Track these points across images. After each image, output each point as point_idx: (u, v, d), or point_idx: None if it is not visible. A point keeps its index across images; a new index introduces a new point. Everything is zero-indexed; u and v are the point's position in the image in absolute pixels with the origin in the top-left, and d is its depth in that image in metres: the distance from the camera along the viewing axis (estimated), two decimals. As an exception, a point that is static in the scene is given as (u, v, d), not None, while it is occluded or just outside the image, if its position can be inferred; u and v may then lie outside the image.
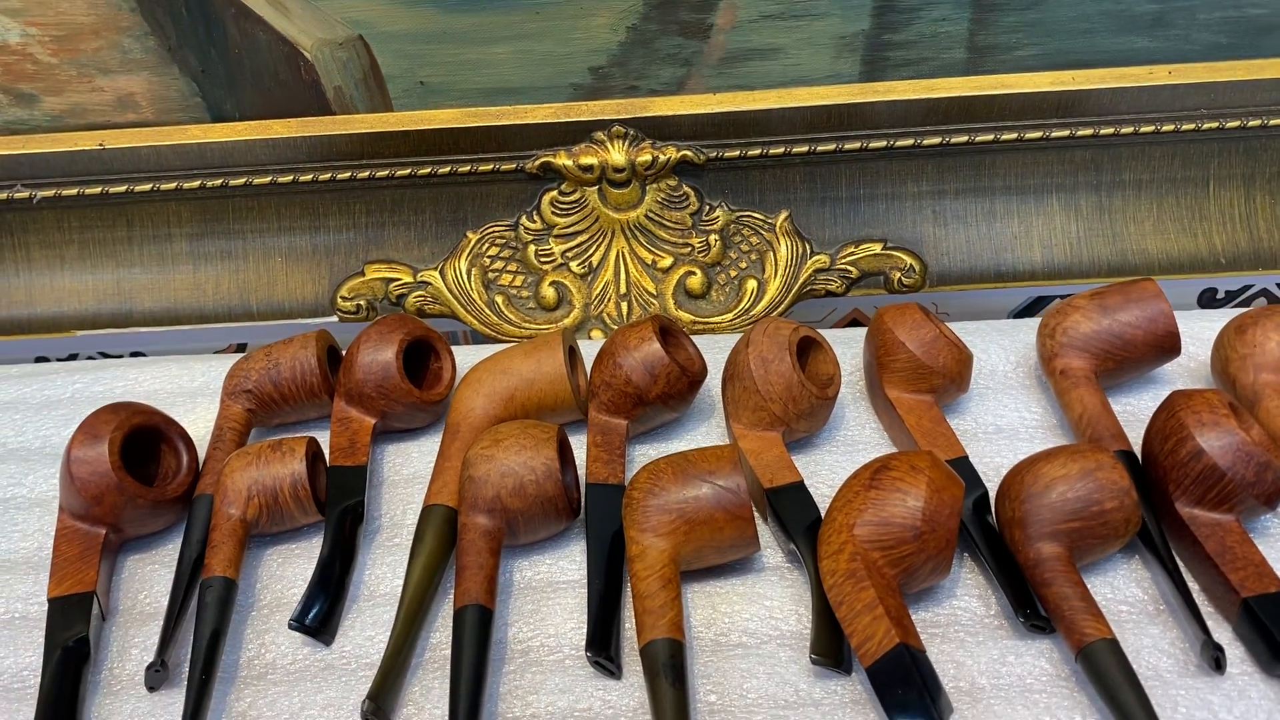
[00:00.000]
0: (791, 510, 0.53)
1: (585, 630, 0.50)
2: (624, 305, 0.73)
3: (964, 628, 0.49)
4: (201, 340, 0.79)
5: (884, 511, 0.47)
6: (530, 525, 0.53)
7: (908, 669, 0.44)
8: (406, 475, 0.61)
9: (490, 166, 0.73)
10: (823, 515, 0.52)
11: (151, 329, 0.76)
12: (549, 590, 0.53)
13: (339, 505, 0.55)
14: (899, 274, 0.73)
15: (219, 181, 0.73)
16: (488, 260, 0.74)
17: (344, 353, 0.62)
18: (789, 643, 0.49)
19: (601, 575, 0.51)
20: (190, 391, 0.68)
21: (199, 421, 0.65)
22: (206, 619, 0.50)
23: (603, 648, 0.48)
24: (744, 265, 0.74)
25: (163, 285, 0.76)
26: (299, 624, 0.51)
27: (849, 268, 0.73)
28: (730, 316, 0.73)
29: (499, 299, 0.74)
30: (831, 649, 0.47)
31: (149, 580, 0.56)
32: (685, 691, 0.45)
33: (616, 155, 0.72)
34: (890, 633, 0.45)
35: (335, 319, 0.75)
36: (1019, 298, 0.82)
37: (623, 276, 0.74)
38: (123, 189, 0.74)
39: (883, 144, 0.71)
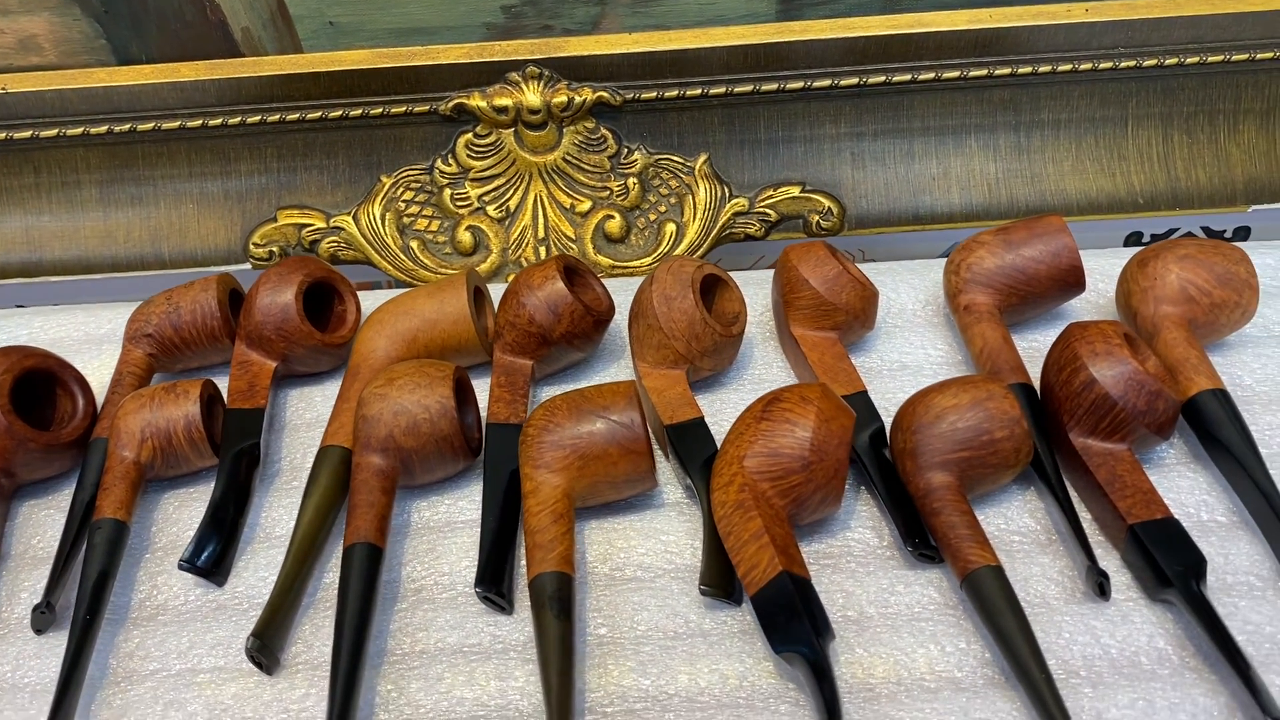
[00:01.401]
0: (690, 445, 0.52)
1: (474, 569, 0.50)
2: (542, 250, 0.73)
3: (856, 559, 0.49)
4: (116, 293, 0.77)
5: (773, 443, 0.47)
6: (426, 465, 0.52)
7: (790, 596, 0.44)
8: (309, 419, 0.60)
9: (403, 109, 0.71)
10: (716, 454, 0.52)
11: (63, 278, 0.75)
12: (446, 530, 0.53)
13: (234, 447, 0.54)
14: (817, 217, 0.73)
15: (127, 126, 0.72)
16: (402, 205, 0.73)
17: (246, 296, 0.61)
18: (682, 576, 0.49)
19: (496, 513, 0.51)
20: (97, 339, 0.67)
21: (104, 368, 0.64)
22: (94, 560, 0.49)
23: (493, 583, 0.48)
24: (663, 209, 0.73)
25: (72, 233, 0.74)
26: (190, 564, 0.50)
27: (768, 211, 0.73)
28: (650, 260, 0.72)
29: (414, 244, 0.73)
30: (721, 580, 0.47)
31: (43, 525, 0.55)
32: (570, 624, 0.45)
33: (531, 96, 0.71)
34: (774, 561, 0.44)
35: (249, 266, 0.74)
36: (945, 243, 0.82)
37: (541, 221, 0.73)
38: (27, 135, 0.72)
39: (800, 85, 0.71)
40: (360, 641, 0.45)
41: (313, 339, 0.59)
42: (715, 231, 0.72)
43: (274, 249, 0.73)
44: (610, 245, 0.73)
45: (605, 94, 0.71)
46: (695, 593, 0.48)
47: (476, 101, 0.71)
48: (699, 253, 0.72)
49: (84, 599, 0.48)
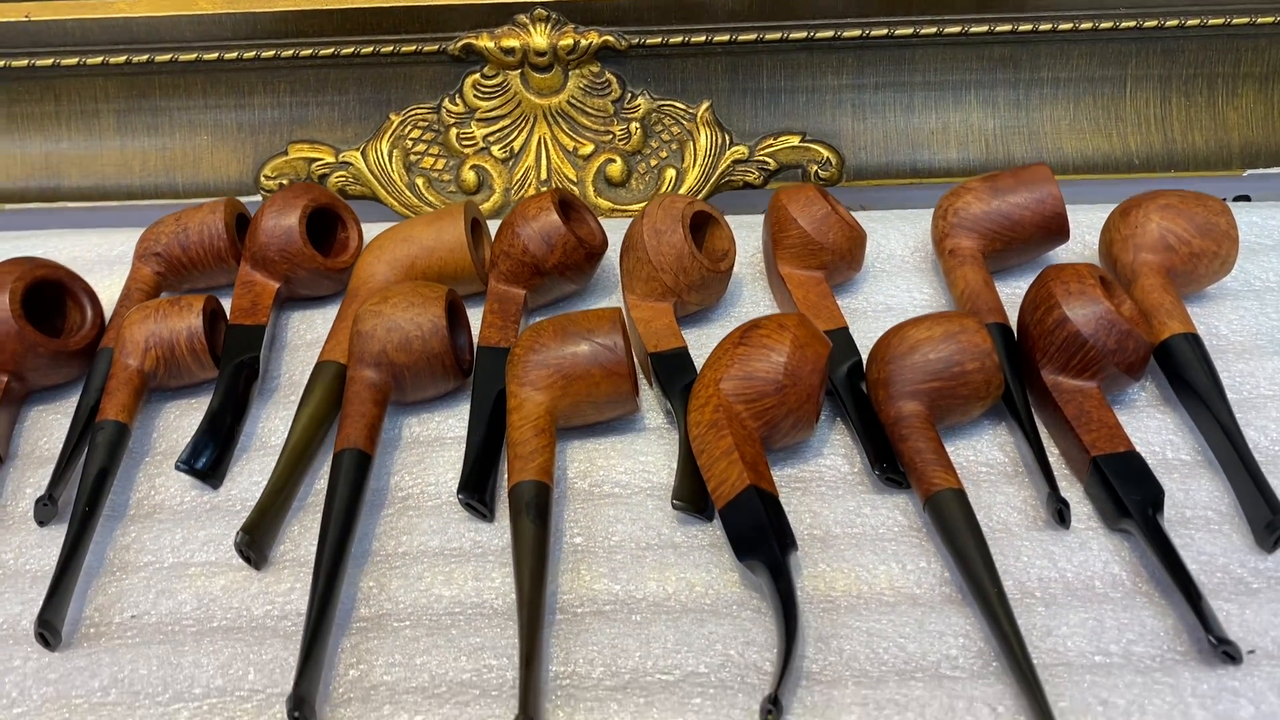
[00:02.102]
0: (671, 372, 0.54)
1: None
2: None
3: (826, 483, 0.51)
4: (132, 222, 0.79)
5: (749, 366, 0.49)
6: (417, 381, 0.54)
7: (756, 508, 0.45)
8: (309, 340, 0.62)
9: (413, 48, 0.73)
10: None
11: (79, 205, 0.77)
12: (434, 445, 0.55)
13: (234, 359, 0.56)
14: (816, 167, 0.74)
15: (145, 57, 0.74)
16: (409, 142, 0.75)
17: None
18: (657, 494, 0.51)
19: (482, 428, 0.53)
20: (109, 260, 0.69)
21: (115, 287, 0.66)
22: (95, 458, 0.51)
23: (475, 490, 0.50)
24: (664, 154, 0.74)
25: (90, 160, 0.76)
26: (187, 466, 0.52)
27: (767, 159, 0.74)
28: (649, 205, 0.74)
29: (420, 181, 0.75)
30: (693, 495, 0.49)
31: (49, 428, 0.57)
32: (546, 530, 0.47)
33: (539, 38, 0.72)
34: (743, 475, 0.46)
35: (259, 198, 0.76)
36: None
37: (544, 162, 0.74)
38: (49, 63, 0.74)
39: (803, 35, 0.72)
40: (344, 538, 0.47)
41: (314, 262, 0.61)
42: (714, 178, 0.74)
43: (284, 181, 0.75)
44: (611, 189, 0.74)
45: (611, 38, 0.72)
46: (669, 508, 0.50)
47: (484, 42, 0.72)
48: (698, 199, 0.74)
49: (84, 493, 0.50)
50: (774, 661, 0.43)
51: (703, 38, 0.72)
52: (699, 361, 0.56)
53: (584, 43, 0.72)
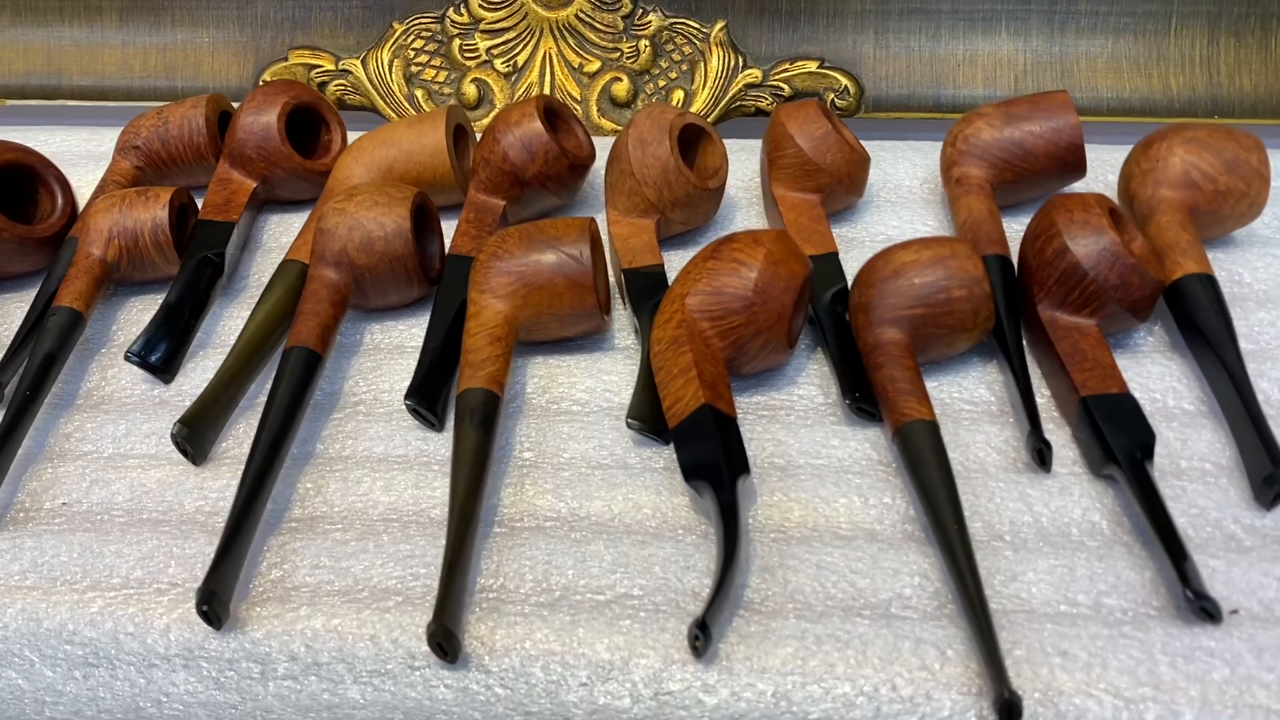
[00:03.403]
0: (642, 289, 0.51)
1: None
2: (547, 109, 0.71)
3: (796, 413, 0.48)
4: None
5: (717, 281, 0.46)
6: (379, 285, 0.52)
7: (708, 428, 0.42)
8: (284, 243, 0.60)
9: (420, -47, 0.70)
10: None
11: (79, 103, 0.76)
12: (393, 353, 0.52)
13: (198, 254, 0.55)
14: (833, 95, 0.70)
15: (148, -47, 0.72)
16: (411, 53, 0.72)
17: (234, 116, 0.61)
18: (616, 414, 0.48)
19: (440, 337, 0.50)
20: (97, 155, 0.67)
21: (98, 182, 0.64)
22: (43, 343, 0.50)
23: (424, 397, 0.48)
24: (673, 75, 0.71)
25: (91, 58, 0.75)
26: (138, 358, 0.50)
27: (782, 85, 0.70)
28: (654, 128, 0.70)
29: (419, 93, 0.72)
30: (648, 414, 0.46)
31: (10, 317, 0.56)
32: (489, 439, 0.44)
33: (548, -52, 0.69)
34: (699, 394, 0.43)
35: (258, 104, 0.74)
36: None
37: (548, 78, 0.71)
38: (53, -45, 0.73)
39: (827, -47, 0.68)
40: (281, 435, 0.45)
41: (292, 161, 0.59)
42: (725, 102, 0.70)
43: (282, 88, 0.73)
44: (615, 109, 0.71)
45: (624, -50, 0.69)
46: (625, 429, 0.47)
47: (493, -51, 0.69)
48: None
49: (27, 377, 0.48)
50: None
51: (721, -49, 0.68)
52: (679, 283, 0.53)
53: (595, -47, 0.69)
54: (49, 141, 0.69)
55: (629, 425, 0.46)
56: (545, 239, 0.49)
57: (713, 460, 0.42)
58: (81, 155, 0.67)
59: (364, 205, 0.52)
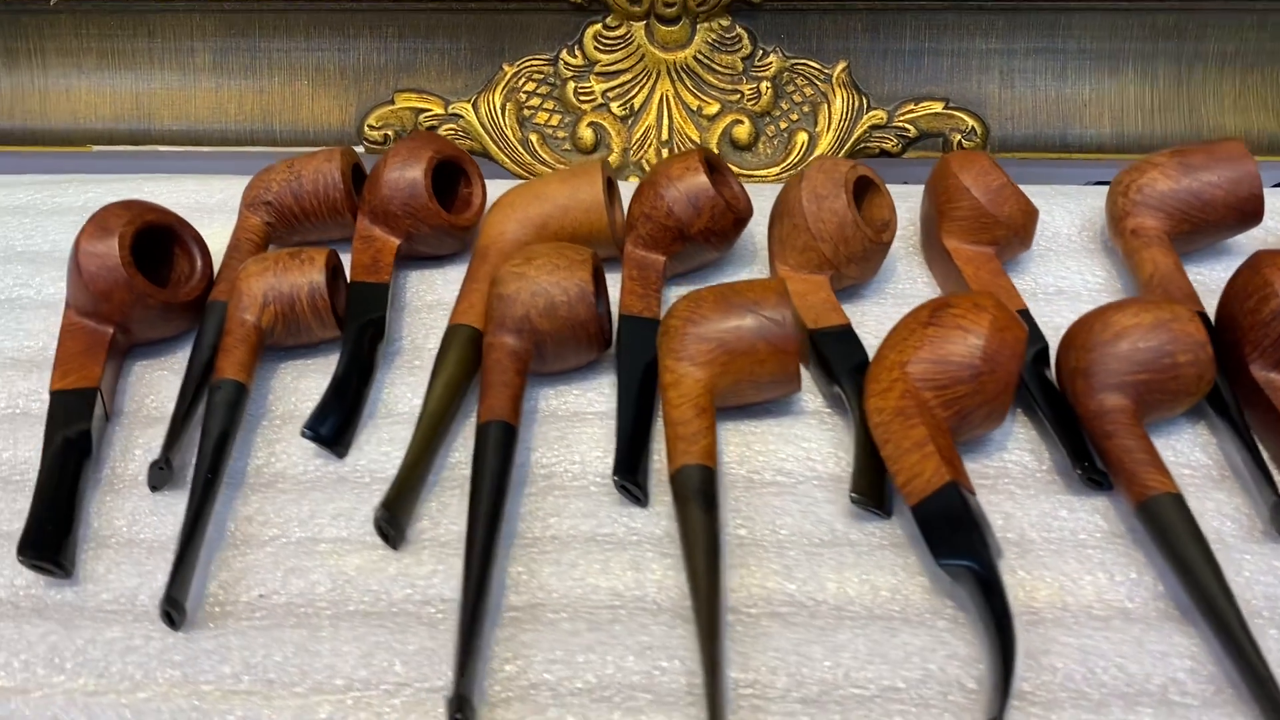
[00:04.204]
0: (837, 351, 0.50)
1: (611, 459, 0.48)
2: (665, 152, 0.69)
3: (1014, 480, 0.47)
4: (224, 170, 0.74)
5: (942, 349, 0.44)
6: (559, 350, 0.50)
7: (958, 507, 0.41)
8: (430, 301, 0.58)
9: (534, -6, 0.68)
10: (868, 359, 0.49)
11: (171, 148, 0.73)
12: (576, 420, 0.50)
13: (360, 319, 0.52)
14: (959, 136, 0.69)
15: (247, -7, 0.69)
16: (523, 96, 0.70)
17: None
18: (826, 485, 0.47)
19: (632, 405, 0.48)
20: (208, 208, 0.65)
21: (216, 237, 0.61)
22: (215, 420, 0.47)
23: (630, 472, 0.46)
24: (795, 117, 0.69)
25: (183, 102, 0.72)
26: (313, 433, 0.48)
27: (907, 126, 0.69)
28: (777, 171, 0.69)
29: (533, 138, 0.70)
30: (873, 489, 0.44)
31: (157, 385, 0.53)
32: (717, 519, 0.42)
33: (668, -12, 0.67)
34: (940, 470, 0.42)
35: (362, 149, 0.71)
36: (1088, 177, 0.77)
37: (665, 121, 0.70)
38: (145, -5, 0.70)
39: (955, -8, 0.67)
40: (495, 519, 0.43)
41: (439, 218, 0.57)
42: (850, 144, 0.69)
43: (390, 132, 0.71)
44: (737, 153, 0.70)
45: (747, -11, 0.67)
46: (841, 502, 0.46)
47: (611, -10, 0.68)
48: (830, 166, 0.69)
49: (204, 458, 0.46)
50: (980, 678, 0.39)
51: (845, -8, 0.67)
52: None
53: (717, -7, 0.67)
54: (153, 194, 0.66)
55: (853, 500, 0.44)
56: (743, 303, 0.47)
57: (968, 542, 0.40)
58: (191, 208, 0.64)
59: (544, 269, 0.50)
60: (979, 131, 0.69)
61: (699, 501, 0.43)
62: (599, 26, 0.69)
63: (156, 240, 0.55)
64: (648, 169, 0.69)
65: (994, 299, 0.46)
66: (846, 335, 0.50)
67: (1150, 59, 0.68)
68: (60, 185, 0.67)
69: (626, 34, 0.69)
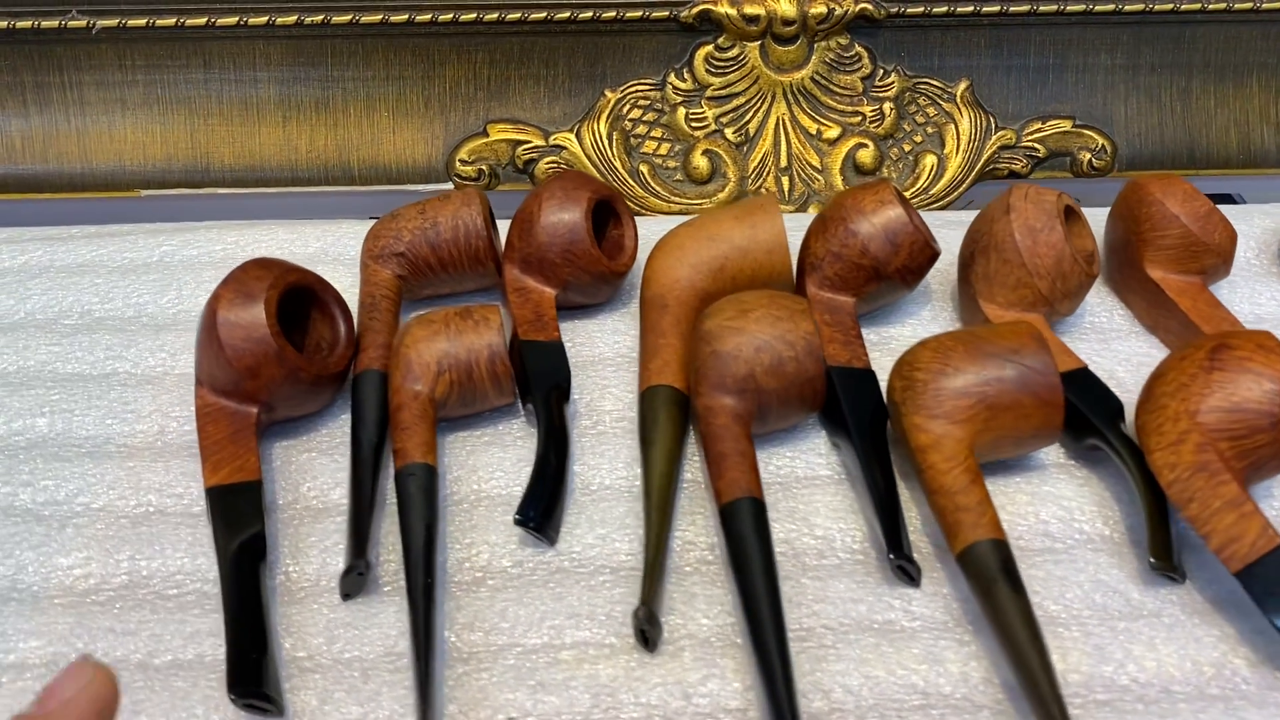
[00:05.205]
0: (1090, 398, 0.46)
1: (856, 532, 0.43)
2: (784, 180, 0.65)
3: (1299, 531, 0.43)
4: (292, 212, 0.66)
5: (1235, 396, 0.41)
6: (783, 410, 0.45)
7: (1295, 574, 0.37)
8: (589, 356, 0.52)
9: (639, 14, 0.63)
10: (1121, 404, 0.46)
11: (232, 190, 0.65)
12: (801, 487, 0.46)
13: (545, 384, 0.47)
14: (1089, 155, 0.66)
15: (319, 18, 0.63)
16: (629, 124, 0.65)
17: (514, 214, 0.53)
18: (1099, 547, 0.43)
19: (879, 469, 0.44)
20: (304, 259, 0.58)
21: (322, 292, 0.55)
22: (415, 512, 0.41)
23: (903, 552, 0.41)
24: (919, 139, 0.66)
25: (246, 139, 0.65)
26: (528, 520, 0.42)
27: (1036, 145, 0.66)
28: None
29: (643, 168, 0.65)
30: (1169, 551, 0.41)
31: (308, 469, 0.47)
32: (1027, 597, 0.38)
33: (786, 5, 0.63)
34: (1268, 531, 0.38)
35: (451, 186, 0.65)
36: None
37: (783, 147, 0.65)
38: (202, 21, 0.62)
39: (1081, 7, 0.64)
40: (778, 611, 0.38)
41: (600, 265, 0.51)
42: (979, 166, 0.66)
43: (483, 167, 0.65)
44: (861, 177, 0.66)
45: (869, 5, 0.63)
46: (1125, 567, 0.42)
47: (724, 8, 0.63)
48: (961, 190, 0.66)
49: (415, 559, 0.40)
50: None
51: (970, 7, 0.64)
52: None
53: (838, 10, 0.63)
54: (238, 244, 0.59)
55: (1152, 566, 0.41)
56: (999, 351, 0.43)
57: (1318, 611, 0.37)
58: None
59: (764, 321, 0.45)
60: (1108, 150, 0.66)
61: (1005, 582, 0.38)
62: (710, 48, 0.64)
63: (292, 301, 0.48)
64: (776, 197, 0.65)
65: (1272, 337, 0.43)
66: (1090, 380, 0.47)
67: (1274, 70, 0.67)
68: (124, 238, 0.59)
69: (739, 55, 0.64)
